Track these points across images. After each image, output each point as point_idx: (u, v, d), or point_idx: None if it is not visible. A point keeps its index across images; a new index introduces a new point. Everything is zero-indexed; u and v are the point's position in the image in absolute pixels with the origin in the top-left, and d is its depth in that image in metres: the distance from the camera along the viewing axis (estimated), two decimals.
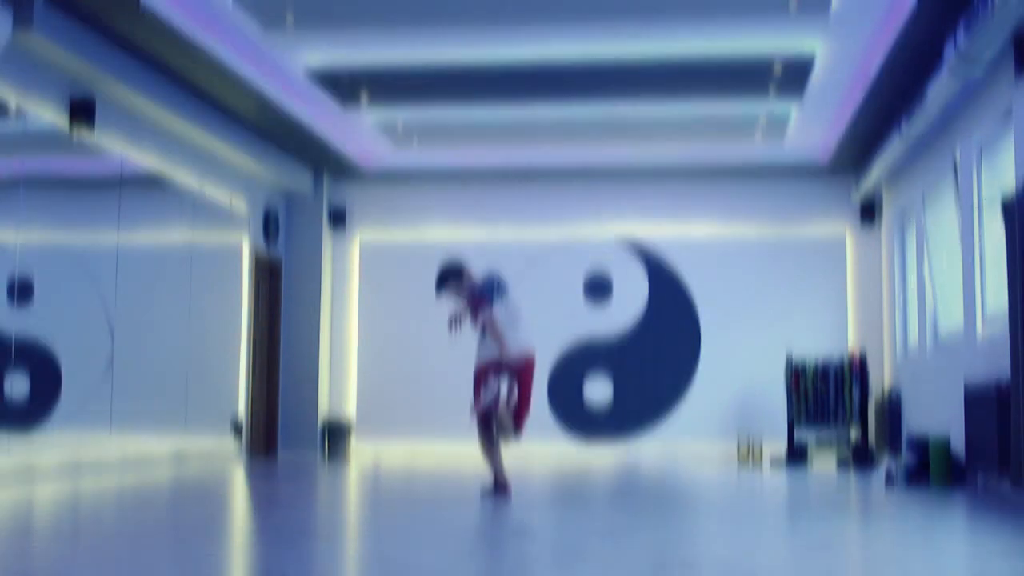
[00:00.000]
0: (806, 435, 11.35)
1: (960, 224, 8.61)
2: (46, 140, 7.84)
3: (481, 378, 6.56)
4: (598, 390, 12.14)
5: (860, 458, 10.55)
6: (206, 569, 3.63)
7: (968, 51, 6.97)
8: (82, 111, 8.04)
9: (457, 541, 4.42)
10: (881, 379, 11.68)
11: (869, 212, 11.90)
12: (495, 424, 6.50)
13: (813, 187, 12.04)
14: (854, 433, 11.30)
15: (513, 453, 11.88)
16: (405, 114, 10.42)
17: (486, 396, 6.42)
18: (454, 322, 6.74)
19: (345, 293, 12.56)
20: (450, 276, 6.75)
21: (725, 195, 12.13)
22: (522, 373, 6.61)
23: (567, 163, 11.86)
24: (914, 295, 10.49)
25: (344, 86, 9.42)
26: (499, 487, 6.43)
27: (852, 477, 9.08)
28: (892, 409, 10.87)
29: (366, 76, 9.15)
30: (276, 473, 9.03)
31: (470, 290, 6.70)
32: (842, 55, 8.57)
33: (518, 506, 6.13)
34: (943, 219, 9.42)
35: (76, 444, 8.19)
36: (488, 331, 6.49)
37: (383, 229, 12.59)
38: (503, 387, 6.45)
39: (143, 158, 9.18)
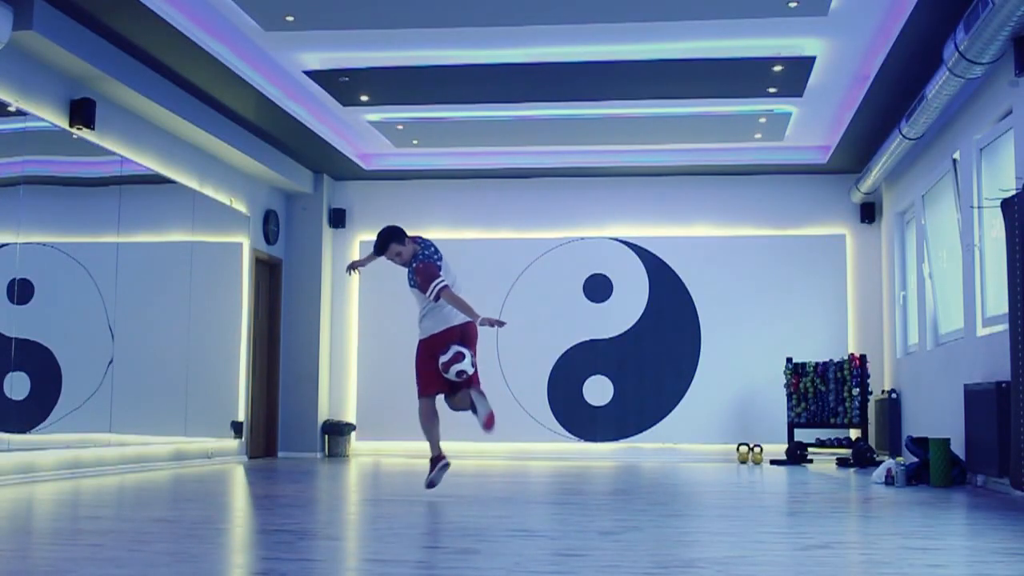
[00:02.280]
0: (806, 435, 11.36)
1: (960, 224, 8.61)
2: (46, 140, 7.83)
3: (436, 350, 6.34)
4: (598, 390, 12.14)
5: (860, 458, 10.55)
6: (206, 569, 3.63)
7: (968, 51, 6.97)
8: (82, 111, 8.05)
9: (457, 541, 4.42)
10: (881, 379, 11.68)
11: (869, 212, 11.91)
12: (457, 395, 6.40)
13: (813, 187, 12.05)
14: (854, 433, 11.30)
15: (513, 453, 11.90)
16: (405, 114, 10.42)
17: (461, 366, 6.28)
18: (353, 267, 6.66)
19: (345, 293, 12.56)
20: (394, 236, 6.41)
21: (725, 195, 12.14)
22: (472, 340, 6.47)
23: (567, 163, 11.87)
24: (914, 295, 10.49)
25: (344, 86, 9.42)
26: (440, 461, 6.44)
27: (852, 477, 9.07)
28: (892, 409, 10.87)
29: (366, 76, 9.15)
30: (276, 473, 9.02)
31: (416, 255, 6.40)
32: (842, 55, 8.57)
33: (518, 506, 6.13)
34: (943, 219, 9.42)
35: (76, 444, 8.19)
36: (448, 300, 6.27)
37: None
38: (468, 356, 6.33)
39: (143, 158, 9.18)
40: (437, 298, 6.30)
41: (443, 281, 6.31)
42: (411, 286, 6.43)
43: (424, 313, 6.44)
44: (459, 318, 6.42)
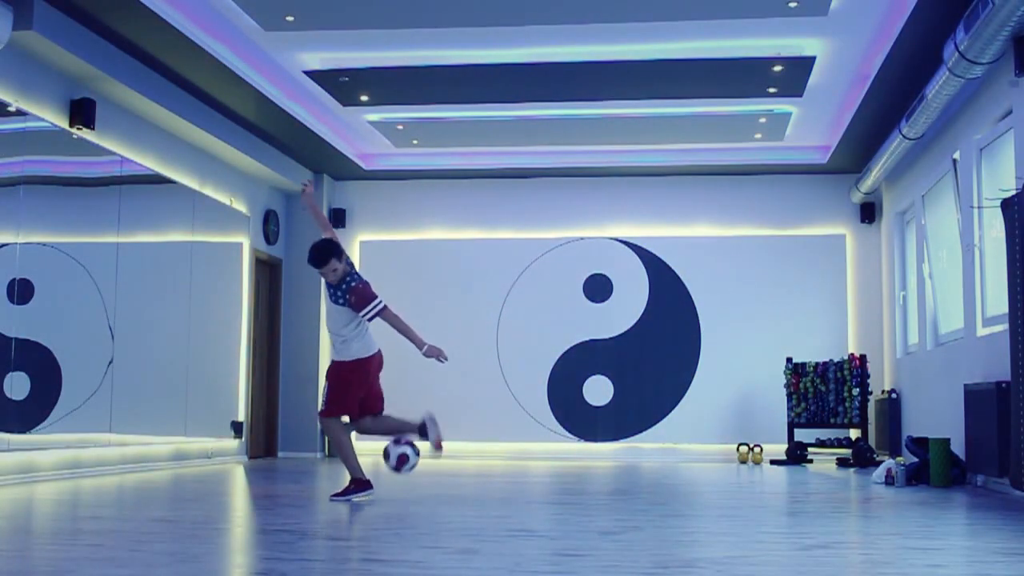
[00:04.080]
0: (806, 435, 11.36)
1: (960, 224, 8.61)
2: (46, 140, 7.83)
3: (362, 376, 6.36)
4: (598, 390, 12.14)
5: (860, 458, 10.55)
6: (206, 569, 3.63)
7: (968, 51, 6.97)
8: (82, 111, 8.05)
9: (457, 541, 4.42)
10: (881, 379, 11.68)
11: (869, 212, 11.91)
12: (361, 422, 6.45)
13: (813, 187, 12.05)
14: (854, 433, 11.30)
15: (513, 453, 11.89)
16: (405, 114, 10.42)
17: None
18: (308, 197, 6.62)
19: None
20: (334, 252, 6.20)
21: (725, 195, 12.14)
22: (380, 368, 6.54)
23: (567, 163, 11.87)
24: (914, 295, 10.49)
25: (344, 86, 9.42)
26: (362, 484, 6.35)
27: (852, 477, 9.08)
28: (892, 409, 10.87)
29: (366, 76, 9.15)
30: (276, 473, 9.02)
31: (349, 274, 6.29)
32: (842, 55, 8.57)
33: (518, 506, 6.13)
34: (943, 219, 9.42)
35: (76, 444, 8.19)
36: (389, 321, 6.27)
37: (383, 229, 12.59)
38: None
39: (143, 158, 9.18)
40: (371, 319, 6.27)
41: (382, 302, 6.27)
42: (337, 303, 6.26)
43: (349, 336, 6.30)
44: (376, 344, 6.43)
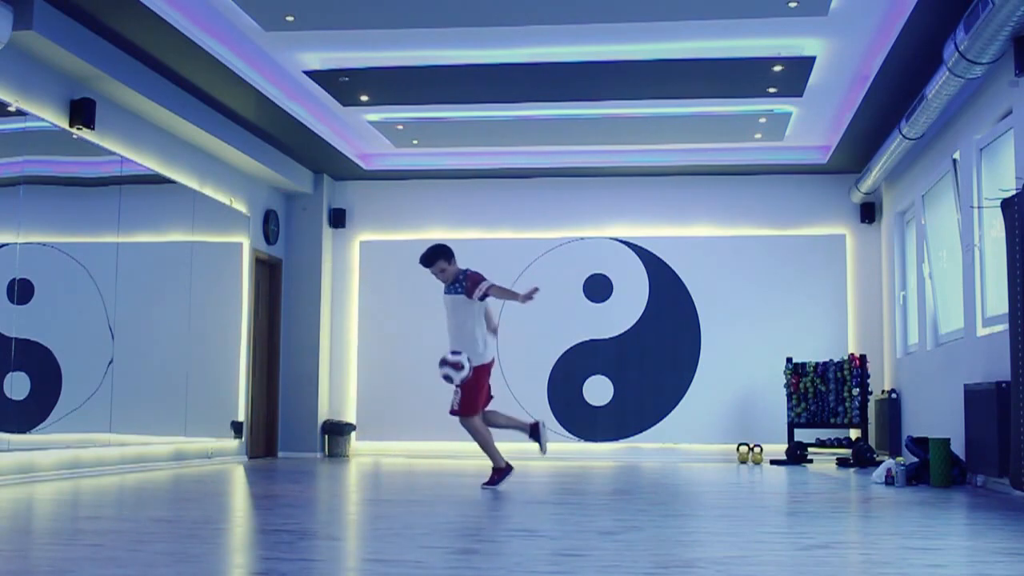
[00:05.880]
0: (806, 435, 11.36)
1: (960, 224, 8.61)
2: (46, 140, 7.83)
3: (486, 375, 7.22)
4: (598, 390, 12.14)
5: (860, 458, 10.55)
6: (206, 569, 3.63)
7: (968, 51, 6.97)
8: (82, 111, 8.05)
9: (457, 541, 4.42)
10: (881, 379, 11.68)
11: (869, 212, 11.91)
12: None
13: (813, 187, 12.05)
14: (854, 433, 11.31)
15: (513, 453, 11.88)
16: (405, 114, 10.42)
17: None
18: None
19: (345, 293, 12.56)
20: (446, 253, 7.18)
21: (725, 195, 12.14)
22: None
23: (567, 163, 11.87)
24: (914, 295, 10.49)
25: (344, 86, 9.42)
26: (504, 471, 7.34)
27: (852, 477, 9.08)
28: (892, 409, 10.87)
29: (366, 76, 9.15)
30: (276, 473, 9.02)
31: (463, 271, 7.21)
32: (842, 55, 8.58)
33: (518, 506, 6.13)
34: (943, 219, 9.42)
35: (76, 444, 8.19)
36: (497, 293, 7.04)
37: (383, 229, 12.59)
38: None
39: (143, 158, 9.18)
40: (483, 298, 7.05)
41: (489, 282, 7.08)
42: (455, 294, 7.14)
43: (479, 335, 7.16)
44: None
